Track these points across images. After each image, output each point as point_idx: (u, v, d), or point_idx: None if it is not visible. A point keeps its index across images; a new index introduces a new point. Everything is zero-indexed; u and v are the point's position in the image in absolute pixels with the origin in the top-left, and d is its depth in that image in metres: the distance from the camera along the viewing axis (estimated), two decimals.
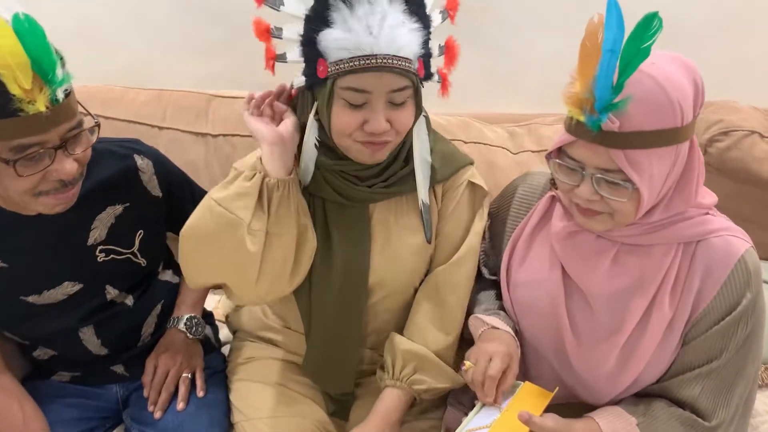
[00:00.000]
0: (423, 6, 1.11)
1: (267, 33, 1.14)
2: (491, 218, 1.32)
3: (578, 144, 1.02)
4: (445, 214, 1.29)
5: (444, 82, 1.20)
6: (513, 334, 1.19)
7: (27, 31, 0.99)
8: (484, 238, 1.31)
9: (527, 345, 1.23)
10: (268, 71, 1.17)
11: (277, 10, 1.11)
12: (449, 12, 1.17)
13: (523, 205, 1.26)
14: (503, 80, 1.92)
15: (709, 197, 1.12)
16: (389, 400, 1.26)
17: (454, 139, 1.71)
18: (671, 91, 0.97)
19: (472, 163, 1.32)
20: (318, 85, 1.11)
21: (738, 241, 1.09)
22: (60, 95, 1.05)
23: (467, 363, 1.12)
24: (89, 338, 1.34)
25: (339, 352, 1.30)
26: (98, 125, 1.15)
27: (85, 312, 1.31)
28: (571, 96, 0.99)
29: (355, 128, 1.10)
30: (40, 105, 1.02)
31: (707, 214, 1.11)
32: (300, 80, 1.14)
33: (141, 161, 1.33)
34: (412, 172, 1.22)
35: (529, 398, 1.12)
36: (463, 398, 1.31)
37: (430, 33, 1.12)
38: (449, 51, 1.19)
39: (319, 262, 1.24)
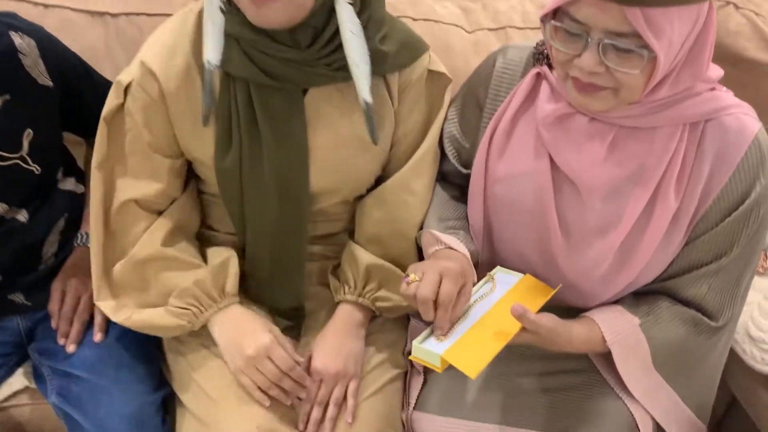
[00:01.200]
0: None
1: None
2: (463, 104, 1.13)
3: (584, 2, 0.84)
4: (403, 113, 1.10)
5: None
6: (469, 258, 1.04)
7: None
8: (453, 130, 1.13)
9: (507, 249, 1.08)
10: None
11: None
12: None
13: (503, 85, 1.07)
14: None
15: (714, 69, 0.97)
16: (350, 316, 1.12)
17: (402, 16, 1.48)
18: None
19: (428, 49, 1.12)
20: None
21: (750, 119, 0.96)
22: None
23: (411, 275, 0.95)
24: None
25: (282, 265, 1.13)
26: None
27: None
28: None
29: None
30: None
31: (713, 89, 0.97)
32: None
33: (20, 40, 1.05)
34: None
35: (527, 293, 1.00)
36: None
37: None
38: None
39: (248, 168, 1.04)
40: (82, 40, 1.35)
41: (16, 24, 1.07)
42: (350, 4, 0.96)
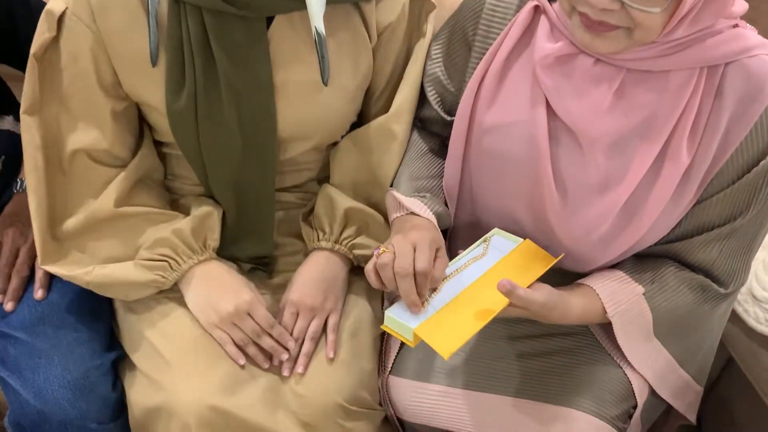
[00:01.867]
0: None
1: None
2: (449, 41, 0.99)
3: None
4: (383, 54, 0.99)
5: None
6: (435, 222, 0.93)
7: None
8: (437, 71, 1.00)
9: (493, 209, 0.97)
10: None
11: None
12: None
13: (495, 19, 0.94)
14: None
15: (739, 3, 0.84)
16: (326, 262, 1.03)
17: None
18: None
19: None
20: None
21: None
22: None
23: (381, 248, 0.85)
24: None
25: (249, 215, 1.03)
26: None
27: None
28: None
29: None
30: None
31: (736, 26, 0.85)
32: None
33: None
34: None
35: (523, 261, 0.90)
36: None
37: None
38: None
39: (205, 110, 0.92)
40: None
41: None
42: None
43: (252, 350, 0.96)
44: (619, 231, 0.90)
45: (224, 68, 0.90)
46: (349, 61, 0.96)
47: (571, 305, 0.88)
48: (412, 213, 0.94)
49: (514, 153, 0.91)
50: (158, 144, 1.04)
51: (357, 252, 1.03)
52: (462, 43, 0.97)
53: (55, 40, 0.91)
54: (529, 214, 0.94)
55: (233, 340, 0.95)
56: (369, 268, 0.85)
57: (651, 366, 0.98)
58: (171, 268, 0.97)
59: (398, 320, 0.82)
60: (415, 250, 0.83)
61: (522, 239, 0.93)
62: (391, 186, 1.02)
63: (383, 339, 1.07)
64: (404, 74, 1.01)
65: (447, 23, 1.01)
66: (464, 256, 0.91)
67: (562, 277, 0.93)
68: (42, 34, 0.90)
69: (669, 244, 0.93)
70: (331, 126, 1.00)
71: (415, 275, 0.82)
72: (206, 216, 1.00)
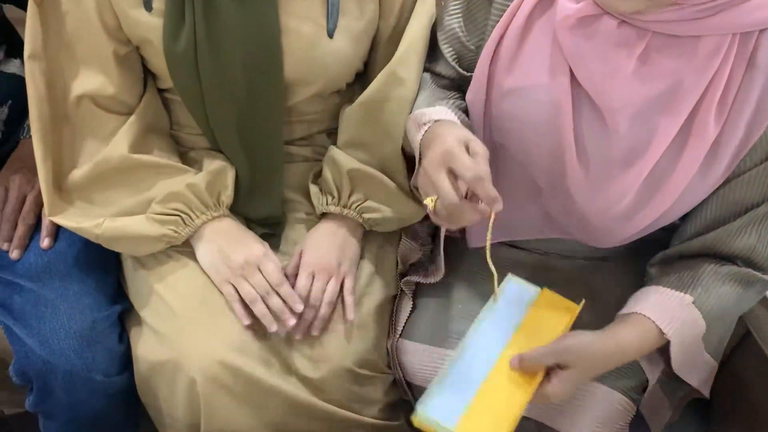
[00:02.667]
0: None
1: None
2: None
3: None
4: (386, 3, 0.95)
5: None
6: (459, 122, 0.88)
7: None
8: (455, 27, 0.95)
9: (515, 176, 0.93)
10: None
11: None
12: None
13: None
14: None
15: None
16: (337, 227, 1.00)
17: None
18: None
19: None
20: None
21: None
22: None
23: (427, 199, 0.80)
24: None
25: (257, 167, 1.00)
26: None
27: None
28: None
29: None
30: None
31: None
32: None
33: None
34: None
35: (549, 315, 0.85)
36: (420, 231, 1.06)
37: None
38: None
39: (206, 52, 0.88)
40: None
41: None
42: None
43: (259, 309, 0.92)
44: (642, 205, 0.86)
45: (227, 9, 0.86)
46: (355, 5, 0.93)
47: (622, 338, 0.84)
48: (437, 121, 0.87)
49: (535, 119, 0.87)
50: (161, 92, 1.01)
51: (366, 216, 1.01)
52: (485, 3, 0.92)
53: None
54: (550, 182, 0.90)
55: (240, 297, 0.93)
56: (436, 221, 0.81)
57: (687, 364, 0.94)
58: (184, 223, 0.94)
59: (434, 419, 0.76)
60: (450, 170, 0.78)
61: (539, 288, 0.88)
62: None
63: (394, 300, 1.05)
64: (410, 18, 0.96)
65: None
66: (481, 318, 0.86)
67: (586, 250, 0.90)
68: None
69: (703, 236, 0.88)
70: (335, 70, 0.96)
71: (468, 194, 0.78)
72: (220, 171, 0.97)
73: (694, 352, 0.92)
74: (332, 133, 1.06)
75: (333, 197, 1.00)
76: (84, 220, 0.93)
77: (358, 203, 1.00)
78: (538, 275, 0.95)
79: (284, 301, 0.93)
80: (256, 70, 0.90)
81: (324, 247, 0.98)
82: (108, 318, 0.96)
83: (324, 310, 0.95)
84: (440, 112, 0.88)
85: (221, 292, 0.94)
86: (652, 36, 0.80)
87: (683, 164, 0.82)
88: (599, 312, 0.92)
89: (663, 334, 0.84)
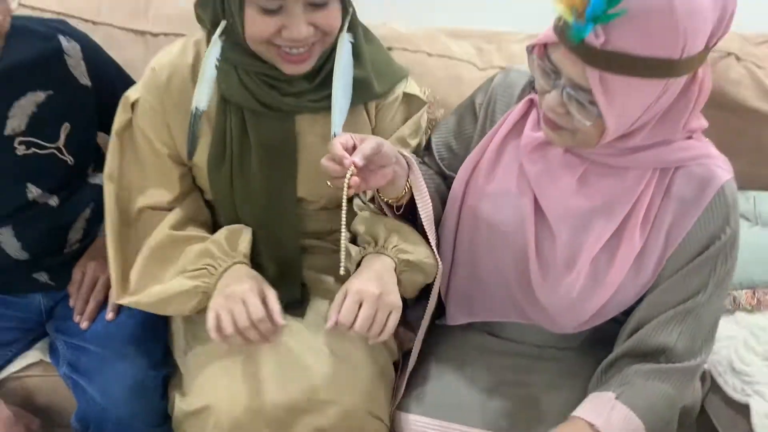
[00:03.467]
0: None
1: None
2: (461, 113, 1.19)
3: (559, 49, 0.89)
4: (379, 129, 1.19)
5: None
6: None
7: None
8: (449, 137, 1.20)
9: (487, 268, 1.12)
10: None
11: None
12: None
13: (499, 100, 1.13)
14: None
15: (696, 121, 1.00)
16: (380, 262, 1.09)
17: (417, 51, 1.59)
18: (682, 15, 0.82)
19: (407, 75, 1.21)
20: None
21: (720, 171, 1.00)
22: None
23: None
24: (7, 240, 1.21)
25: (280, 259, 1.19)
26: None
27: (3, 212, 1.19)
28: None
29: (272, 34, 1.00)
30: None
31: (690, 138, 1.00)
32: None
33: (67, 43, 1.18)
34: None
35: None
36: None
37: None
38: None
39: (237, 181, 1.13)
40: (124, 55, 1.47)
41: (65, 29, 1.20)
42: (351, 42, 1.07)
43: (236, 341, 1.01)
44: (586, 297, 1.03)
45: (256, 151, 1.11)
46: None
47: None
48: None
49: (505, 221, 1.07)
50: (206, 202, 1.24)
51: (402, 256, 1.10)
52: (471, 114, 1.16)
53: (130, 120, 1.15)
54: (517, 278, 1.08)
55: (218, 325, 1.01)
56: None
57: None
58: (210, 273, 1.09)
59: None
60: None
61: None
62: None
63: (396, 368, 1.20)
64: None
65: (463, 102, 1.21)
66: None
67: (552, 339, 1.08)
68: (120, 116, 1.14)
69: (635, 335, 1.03)
70: (334, 192, 1.12)
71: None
72: (237, 228, 1.15)
73: None
74: (349, 232, 1.25)
75: (370, 244, 1.11)
76: (137, 295, 1.13)
77: (394, 245, 1.10)
78: (511, 364, 1.14)
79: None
80: (276, 195, 1.14)
81: (368, 275, 1.06)
82: (155, 378, 1.16)
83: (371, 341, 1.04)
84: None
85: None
86: (591, 163, 1.02)
87: (616, 268, 1.01)
88: (562, 398, 1.09)
89: (593, 425, 0.97)
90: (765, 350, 1.33)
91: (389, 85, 1.17)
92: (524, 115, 1.09)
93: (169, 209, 1.17)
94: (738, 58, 1.60)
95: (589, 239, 1.02)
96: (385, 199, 1.11)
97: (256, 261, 1.17)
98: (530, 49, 0.96)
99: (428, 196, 1.09)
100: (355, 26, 1.10)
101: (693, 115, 0.97)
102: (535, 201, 1.05)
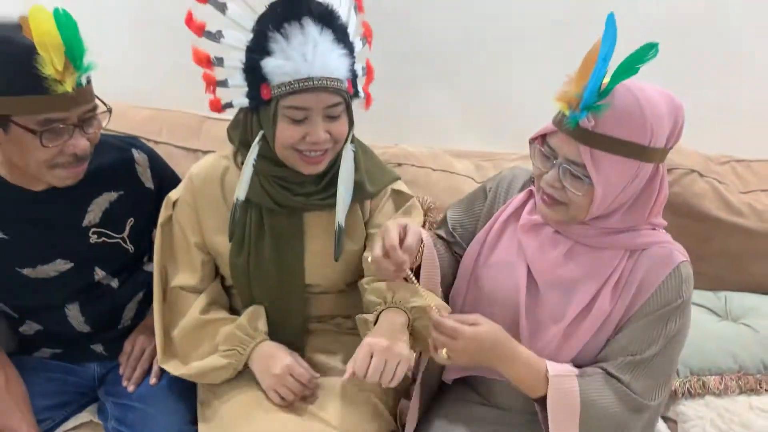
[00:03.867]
0: (347, 35, 1.28)
1: (207, 62, 1.30)
2: (473, 196, 1.45)
3: (557, 135, 1.16)
4: (371, 221, 1.43)
5: (368, 98, 1.38)
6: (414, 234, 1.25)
7: (64, 22, 1.17)
8: (463, 217, 1.44)
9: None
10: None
11: (218, 42, 1.28)
12: (367, 38, 1.37)
13: (504, 188, 1.39)
14: (477, 119, 2.10)
15: (658, 218, 1.26)
16: (391, 318, 1.27)
17: (422, 167, 1.87)
18: (648, 112, 1.10)
19: (398, 179, 1.48)
20: (262, 106, 1.27)
21: (677, 253, 1.23)
22: (83, 80, 1.23)
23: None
24: (74, 315, 1.45)
25: (284, 334, 1.41)
26: (110, 111, 1.31)
27: (72, 290, 1.44)
28: (563, 94, 1.15)
29: (298, 140, 1.26)
30: (68, 86, 1.20)
31: (654, 229, 1.25)
32: (242, 101, 1.30)
33: (138, 155, 1.48)
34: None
35: None
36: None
37: (354, 58, 1.30)
38: (369, 71, 1.39)
39: (254, 265, 1.37)
40: (178, 168, 1.77)
41: (137, 143, 1.51)
42: (353, 151, 1.35)
43: (297, 401, 1.28)
44: (560, 349, 1.23)
45: (271, 242, 1.36)
46: (352, 234, 1.39)
47: (520, 350, 1.19)
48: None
49: (504, 287, 1.29)
50: (224, 288, 1.48)
51: (411, 305, 1.28)
52: (482, 195, 1.43)
53: (170, 216, 1.42)
54: (508, 330, 1.26)
55: (282, 398, 1.29)
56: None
57: None
58: (239, 353, 1.35)
59: None
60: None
61: None
62: None
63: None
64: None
65: (475, 188, 1.48)
66: None
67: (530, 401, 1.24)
68: (163, 212, 1.42)
69: (597, 363, 1.23)
70: (337, 277, 1.42)
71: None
72: (254, 311, 1.39)
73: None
74: (349, 317, 1.47)
75: (381, 303, 1.29)
76: (181, 367, 1.38)
77: (402, 301, 1.28)
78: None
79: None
80: (287, 278, 1.38)
81: (380, 330, 1.23)
82: (190, 430, 1.36)
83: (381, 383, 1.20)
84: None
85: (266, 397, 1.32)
86: (575, 243, 1.25)
87: (587, 325, 1.22)
88: None
89: (547, 372, 1.17)
90: (729, 428, 1.48)
91: (381, 187, 1.43)
92: (524, 203, 1.35)
93: (195, 291, 1.42)
94: (701, 175, 1.84)
95: (572, 302, 1.23)
96: None
97: None
98: (532, 141, 1.24)
99: (436, 257, 1.32)
100: (355, 140, 1.39)
101: (655, 210, 1.22)
102: (528, 271, 1.28)
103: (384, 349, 1.19)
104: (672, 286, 1.20)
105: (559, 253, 1.25)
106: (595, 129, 1.11)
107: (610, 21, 1.09)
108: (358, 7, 1.36)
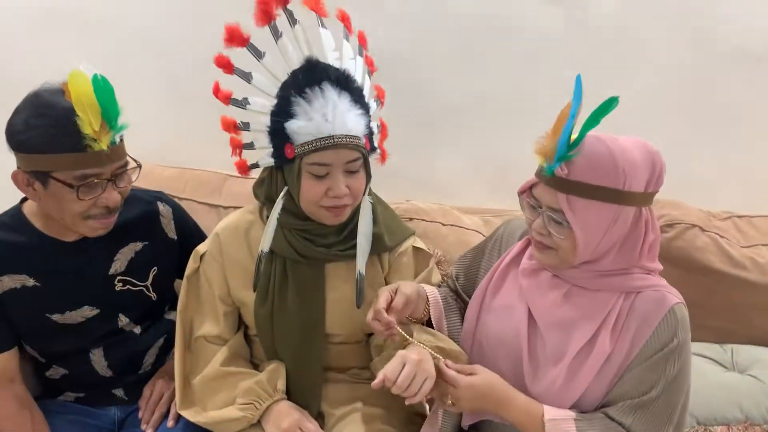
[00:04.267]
0: (363, 96, 1.38)
1: (234, 127, 1.41)
2: (475, 253, 1.53)
3: (539, 185, 1.25)
4: (391, 278, 1.50)
5: (383, 153, 1.48)
6: (419, 291, 1.38)
7: (102, 86, 1.29)
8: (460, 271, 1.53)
9: (490, 363, 1.36)
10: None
11: (243, 108, 1.39)
12: (380, 99, 1.48)
13: (503, 243, 1.48)
14: (483, 177, 2.20)
15: (655, 264, 1.31)
16: (417, 348, 1.31)
17: (432, 221, 1.96)
18: (618, 157, 1.19)
19: (413, 233, 1.56)
20: (286, 164, 1.37)
21: (671, 296, 1.27)
22: (117, 139, 1.34)
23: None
24: (98, 360, 1.52)
25: (302, 383, 1.47)
26: (140, 167, 1.42)
27: (98, 335, 1.51)
28: (541, 147, 1.24)
29: (321, 195, 1.34)
30: (103, 144, 1.31)
31: (649, 274, 1.30)
32: (268, 161, 1.39)
33: (163, 207, 1.58)
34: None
35: None
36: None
37: (370, 117, 1.39)
38: (383, 129, 1.49)
39: (276, 316, 1.44)
40: (200, 222, 1.85)
41: (162, 197, 1.62)
42: (371, 202, 1.44)
43: None
44: (565, 389, 1.27)
45: (294, 292, 1.43)
46: (372, 285, 1.44)
47: (515, 395, 1.24)
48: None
49: (506, 330, 1.34)
50: (246, 337, 1.55)
51: (434, 344, 1.33)
52: (481, 253, 1.51)
53: (197, 269, 1.50)
54: (512, 372, 1.32)
55: None
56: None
57: None
58: (256, 408, 1.41)
59: None
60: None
61: None
62: None
63: None
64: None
65: (478, 243, 1.57)
66: None
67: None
68: (191, 264, 1.50)
69: (601, 409, 1.26)
70: (356, 326, 1.48)
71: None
72: (275, 369, 1.45)
73: None
74: (367, 368, 1.53)
75: (406, 340, 1.32)
76: (197, 415, 1.44)
77: (427, 343, 1.33)
78: None
79: None
80: (308, 326, 1.44)
81: (411, 349, 1.28)
82: None
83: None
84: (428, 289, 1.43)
85: None
86: (572, 285, 1.31)
87: (589, 365, 1.26)
88: None
89: (543, 416, 1.21)
90: None
91: (398, 240, 1.51)
92: (523, 250, 1.42)
93: (218, 340, 1.49)
94: (702, 229, 1.90)
95: (572, 342, 1.28)
96: (412, 320, 1.42)
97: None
98: (520, 193, 1.32)
99: (442, 309, 1.43)
100: (372, 193, 1.48)
101: (646, 253, 1.27)
102: (529, 313, 1.34)
103: (416, 362, 1.24)
104: (667, 327, 1.24)
105: (558, 295, 1.31)
106: (569, 177, 1.19)
107: (578, 83, 1.19)
108: (371, 71, 1.47)
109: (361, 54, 1.44)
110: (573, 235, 1.22)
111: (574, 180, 1.20)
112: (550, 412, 1.24)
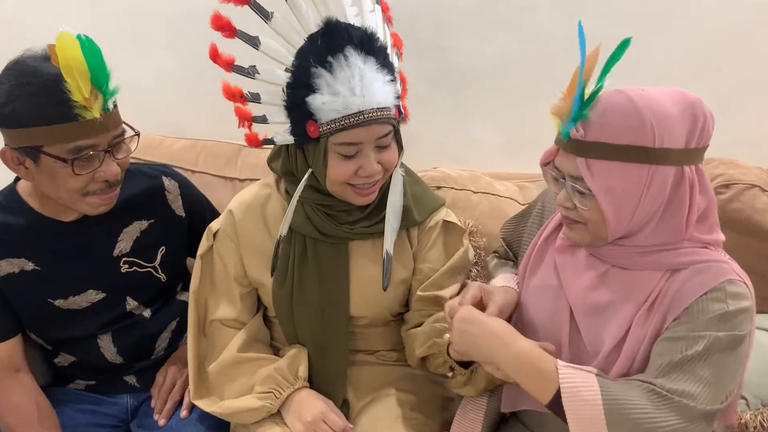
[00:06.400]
0: (387, 56, 1.22)
1: (240, 97, 1.24)
2: (523, 212, 1.43)
3: (559, 153, 1.11)
4: (420, 254, 1.37)
5: (405, 113, 1.30)
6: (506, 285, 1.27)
7: (88, 48, 1.17)
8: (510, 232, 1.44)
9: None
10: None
11: (252, 78, 1.22)
12: (398, 50, 1.31)
13: (549, 207, 1.33)
14: (520, 144, 2.03)
15: (713, 234, 1.12)
16: None
17: (462, 189, 1.81)
18: (644, 109, 1.02)
19: (444, 204, 1.42)
20: (309, 144, 1.22)
21: (725, 270, 1.07)
22: (110, 105, 1.22)
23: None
24: (107, 346, 1.43)
25: (326, 369, 1.36)
26: (138, 135, 1.30)
27: (105, 320, 1.42)
28: (557, 109, 1.09)
29: (351, 175, 1.22)
30: (95, 112, 1.19)
31: (705, 248, 1.11)
32: (285, 138, 1.25)
33: (168, 182, 1.47)
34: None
35: None
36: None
37: (395, 77, 1.24)
38: (403, 83, 1.32)
39: (296, 298, 1.33)
40: (215, 196, 1.75)
41: (167, 171, 1.50)
42: (402, 175, 1.30)
43: None
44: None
45: (315, 272, 1.31)
46: (399, 262, 1.34)
47: (519, 338, 1.10)
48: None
49: (545, 310, 1.20)
50: (266, 317, 1.44)
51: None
52: (529, 212, 1.38)
53: (211, 247, 1.38)
54: None
55: None
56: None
57: None
58: (276, 396, 1.30)
59: None
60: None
61: None
62: None
63: None
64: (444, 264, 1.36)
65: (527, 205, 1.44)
66: None
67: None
68: (204, 243, 1.38)
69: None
70: (383, 308, 1.36)
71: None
72: (296, 354, 1.34)
73: None
74: (395, 350, 1.43)
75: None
76: (213, 405, 1.33)
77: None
78: None
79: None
80: (330, 308, 1.32)
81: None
82: None
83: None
84: (502, 280, 1.32)
85: None
86: (611, 266, 1.15)
87: (624, 356, 1.10)
88: None
89: (557, 370, 1.04)
90: None
91: (427, 213, 1.37)
92: (561, 224, 1.25)
93: (235, 324, 1.38)
94: (763, 189, 1.72)
95: (609, 331, 1.12)
96: None
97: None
98: (543, 164, 1.17)
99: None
100: (402, 164, 1.33)
101: (698, 223, 1.09)
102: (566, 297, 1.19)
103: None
104: (712, 299, 1.04)
105: (593, 277, 1.16)
106: (586, 138, 1.05)
107: (580, 31, 1.04)
108: (389, 21, 1.31)
109: (378, 2, 1.28)
110: (599, 205, 1.07)
111: (592, 141, 1.04)
112: (562, 365, 1.06)
